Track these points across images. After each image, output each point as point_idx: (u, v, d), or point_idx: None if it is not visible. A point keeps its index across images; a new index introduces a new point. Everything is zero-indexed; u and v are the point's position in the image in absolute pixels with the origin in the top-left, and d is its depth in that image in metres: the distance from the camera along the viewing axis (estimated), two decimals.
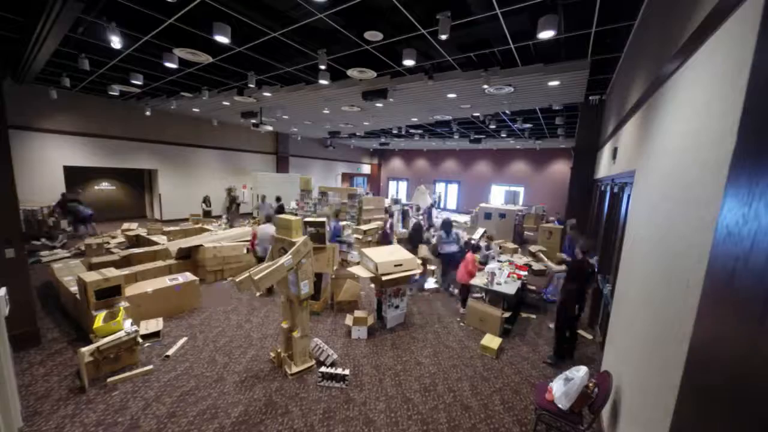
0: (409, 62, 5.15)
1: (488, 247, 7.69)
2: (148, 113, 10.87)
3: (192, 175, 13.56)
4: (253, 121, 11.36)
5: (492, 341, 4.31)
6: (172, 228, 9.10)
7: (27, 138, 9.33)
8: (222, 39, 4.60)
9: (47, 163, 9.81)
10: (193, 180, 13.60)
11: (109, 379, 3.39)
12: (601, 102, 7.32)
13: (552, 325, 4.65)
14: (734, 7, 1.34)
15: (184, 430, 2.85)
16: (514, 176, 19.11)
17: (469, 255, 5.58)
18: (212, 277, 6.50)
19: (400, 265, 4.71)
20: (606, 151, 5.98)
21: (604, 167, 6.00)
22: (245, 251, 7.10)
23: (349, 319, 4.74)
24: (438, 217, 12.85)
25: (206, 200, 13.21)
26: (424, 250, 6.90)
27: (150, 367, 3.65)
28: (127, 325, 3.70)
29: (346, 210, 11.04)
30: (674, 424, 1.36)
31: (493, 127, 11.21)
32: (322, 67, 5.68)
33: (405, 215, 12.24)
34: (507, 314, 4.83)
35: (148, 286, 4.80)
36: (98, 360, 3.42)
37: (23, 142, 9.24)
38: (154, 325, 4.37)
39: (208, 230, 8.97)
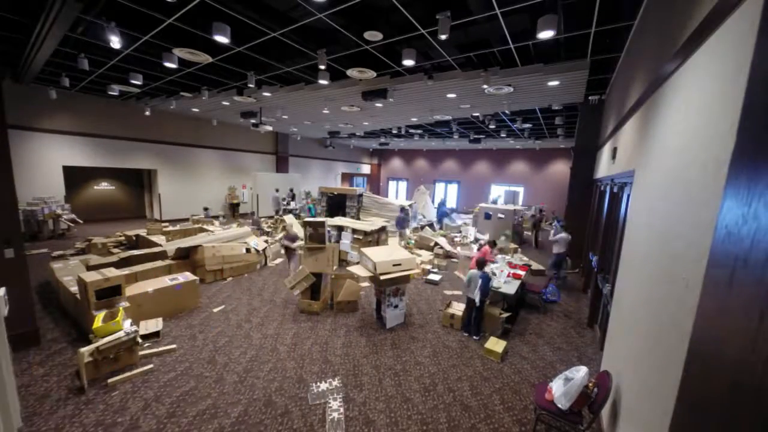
0: (408, 62, 5.15)
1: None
2: (147, 113, 10.86)
3: (192, 175, 13.56)
4: (253, 121, 11.37)
5: (496, 344, 4.27)
6: (171, 228, 9.11)
7: (26, 138, 9.33)
8: (222, 39, 4.59)
9: (47, 163, 9.81)
10: (192, 180, 13.60)
11: (109, 380, 3.39)
12: (601, 102, 7.33)
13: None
14: (734, 7, 1.34)
15: (184, 430, 2.85)
16: (514, 176, 19.13)
17: (478, 253, 5.78)
18: (212, 276, 6.50)
19: (399, 264, 4.71)
20: (606, 151, 5.99)
21: (604, 167, 6.00)
22: (244, 251, 7.10)
23: None
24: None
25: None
26: None
27: (150, 366, 3.65)
28: (127, 325, 3.70)
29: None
30: (673, 424, 1.36)
31: (492, 127, 11.22)
32: (322, 67, 5.68)
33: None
34: (507, 314, 4.83)
35: (149, 285, 4.79)
36: (98, 360, 3.41)
37: (23, 142, 9.23)
38: (153, 325, 4.37)
39: (206, 230, 8.97)
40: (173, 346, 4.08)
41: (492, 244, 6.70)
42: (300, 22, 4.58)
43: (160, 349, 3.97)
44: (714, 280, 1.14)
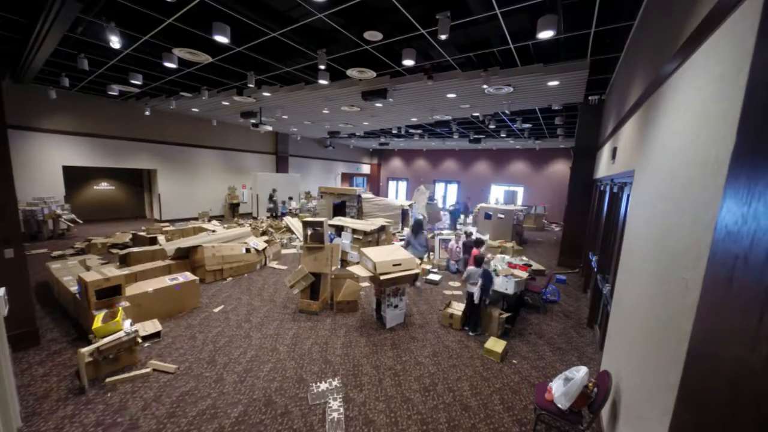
0: (408, 62, 5.16)
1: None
2: (147, 113, 10.86)
3: (192, 175, 13.55)
4: (253, 121, 11.37)
5: (496, 344, 4.26)
6: (171, 228, 9.10)
7: (26, 138, 9.32)
8: (221, 39, 4.60)
9: (46, 164, 9.80)
10: (192, 180, 13.59)
11: (108, 380, 3.39)
12: (601, 102, 7.33)
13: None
14: (733, 7, 1.34)
15: (184, 431, 2.85)
16: (514, 176, 19.13)
17: (474, 251, 5.69)
18: (212, 276, 6.50)
19: (399, 264, 4.71)
20: (605, 151, 5.99)
21: (604, 167, 6.00)
22: (244, 251, 7.10)
23: None
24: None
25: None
26: None
27: (148, 370, 3.64)
28: (127, 325, 3.70)
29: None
30: (673, 424, 1.36)
31: (492, 127, 11.22)
32: (322, 67, 5.68)
33: (405, 215, 12.23)
34: (507, 314, 4.83)
35: (149, 285, 4.79)
36: (98, 360, 3.41)
37: (22, 142, 9.22)
38: (150, 326, 4.30)
39: (205, 230, 8.96)
40: (149, 370, 3.63)
41: (479, 243, 6.36)
42: (300, 22, 4.58)
43: (135, 372, 3.55)
44: (714, 280, 1.14)
